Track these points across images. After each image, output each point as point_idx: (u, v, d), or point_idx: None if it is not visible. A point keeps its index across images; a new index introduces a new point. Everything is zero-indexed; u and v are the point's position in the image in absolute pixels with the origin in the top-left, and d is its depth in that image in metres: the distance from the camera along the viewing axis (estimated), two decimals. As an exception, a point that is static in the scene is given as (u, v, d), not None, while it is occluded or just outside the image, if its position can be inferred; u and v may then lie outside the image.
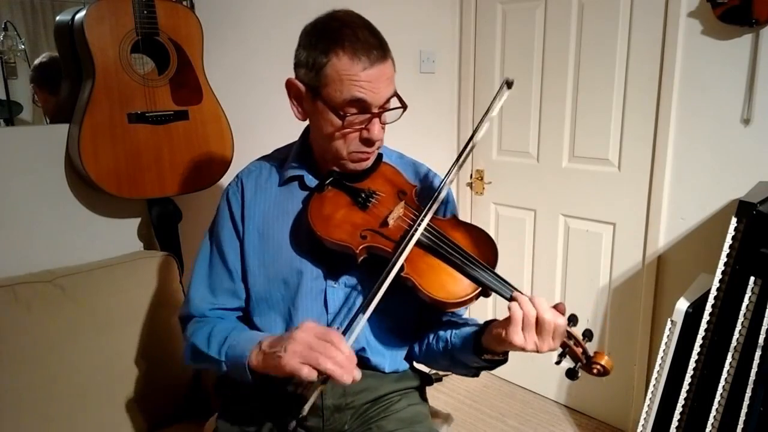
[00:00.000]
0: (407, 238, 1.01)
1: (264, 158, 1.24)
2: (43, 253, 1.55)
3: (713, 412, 1.62)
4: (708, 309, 1.64)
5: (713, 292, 1.63)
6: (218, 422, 1.21)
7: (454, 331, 1.13)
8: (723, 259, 1.61)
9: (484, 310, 2.63)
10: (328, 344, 0.91)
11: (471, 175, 2.69)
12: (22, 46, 1.52)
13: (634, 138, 2.14)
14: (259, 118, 1.94)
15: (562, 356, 0.98)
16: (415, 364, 1.27)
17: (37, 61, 1.56)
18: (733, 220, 1.59)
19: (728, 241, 1.60)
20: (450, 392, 2.63)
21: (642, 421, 1.84)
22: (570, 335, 0.96)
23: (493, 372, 2.89)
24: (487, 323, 1.05)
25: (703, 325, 1.66)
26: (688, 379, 1.70)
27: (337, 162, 1.10)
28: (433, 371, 1.38)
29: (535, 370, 2.61)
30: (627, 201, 2.19)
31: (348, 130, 1.04)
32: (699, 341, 1.67)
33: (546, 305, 0.93)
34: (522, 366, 2.65)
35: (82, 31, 1.41)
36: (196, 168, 1.61)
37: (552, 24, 2.30)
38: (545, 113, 2.39)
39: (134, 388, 1.47)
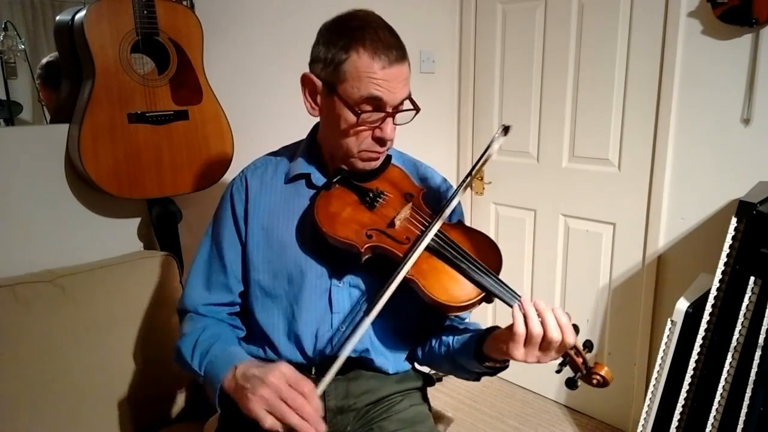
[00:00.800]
0: (416, 244, 1.01)
1: (270, 155, 1.23)
2: (43, 253, 1.55)
3: (713, 412, 1.62)
4: (708, 309, 1.64)
5: (713, 292, 1.63)
6: (219, 422, 1.21)
7: (456, 336, 1.13)
8: (723, 259, 1.61)
9: (484, 312, 2.63)
10: (298, 396, 0.91)
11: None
12: (22, 46, 1.52)
13: (634, 138, 2.14)
14: (259, 117, 1.94)
15: (562, 365, 0.98)
16: (416, 365, 1.28)
17: (44, 60, 1.56)
18: (733, 220, 1.59)
19: (728, 241, 1.60)
20: (450, 392, 2.63)
21: (642, 421, 1.84)
22: (572, 346, 0.96)
23: (493, 372, 2.86)
24: (489, 330, 1.05)
25: (703, 325, 1.66)
26: (688, 379, 1.70)
27: (346, 160, 1.10)
28: (434, 372, 1.38)
29: (535, 370, 2.59)
30: (627, 201, 2.19)
31: (361, 127, 1.04)
32: (699, 341, 1.67)
33: (553, 321, 0.92)
34: (522, 366, 2.64)
35: (82, 31, 1.41)
36: (196, 168, 1.61)
37: (552, 24, 2.30)
38: (545, 113, 2.39)
39: (134, 388, 1.47)
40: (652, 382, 1.81)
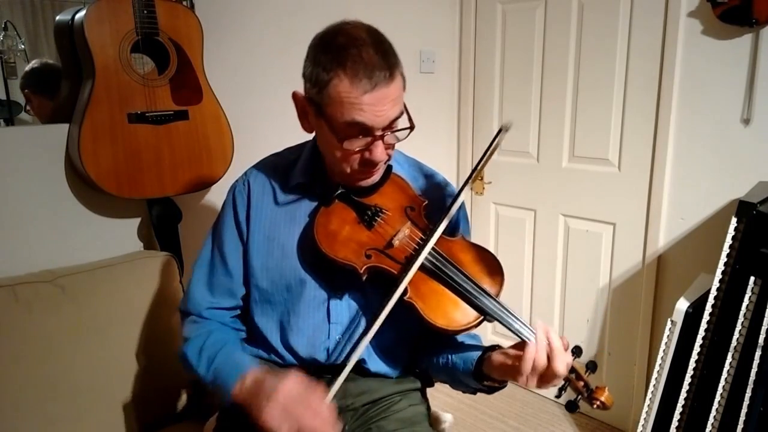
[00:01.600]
0: (411, 264, 1.00)
1: (274, 158, 1.22)
2: (43, 253, 1.55)
3: (713, 412, 1.62)
4: (708, 309, 1.64)
5: (713, 292, 1.63)
6: (218, 421, 1.21)
7: (456, 352, 1.12)
8: (723, 259, 1.61)
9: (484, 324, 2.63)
10: (309, 410, 0.93)
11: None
12: (22, 46, 1.52)
13: (634, 138, 2.14)
14: (259, 118, 1.94)
15: (563, 390, 0.99)
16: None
17: (28, 68, 1.55)
18: (733, 220, 1.59)
19: (728, 241, 1.60)
20: (450, 392, 2.61)
21: (642, 421, 1.84)
22: (572, 369, 0.96)
23: (493, 372, 2.85)
24: (490, 348, 1.05)
25: (703, 325, 1.66)
26: (688, 379, 1.70)
27: (342, 177, 1.08)
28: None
29: (535, 370, 2.60)
30: (627, 201, 2.19)
31: (348, 151, 1.01)
32: (699, 341, 1.67)
33: (562, 356, 0.92)
34: (522, 366, 2.64)
35: (82, 31, 1.41)
36: (196, 168, 1.61)
37: (552, 24, 2.30)
38: (545, 113, 2.38)
39: (134, 388, 1.46)
40: (652, 382, 1.81)
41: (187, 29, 1.56)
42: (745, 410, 1.54)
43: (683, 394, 1.71)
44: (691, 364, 1.69)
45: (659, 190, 2.09)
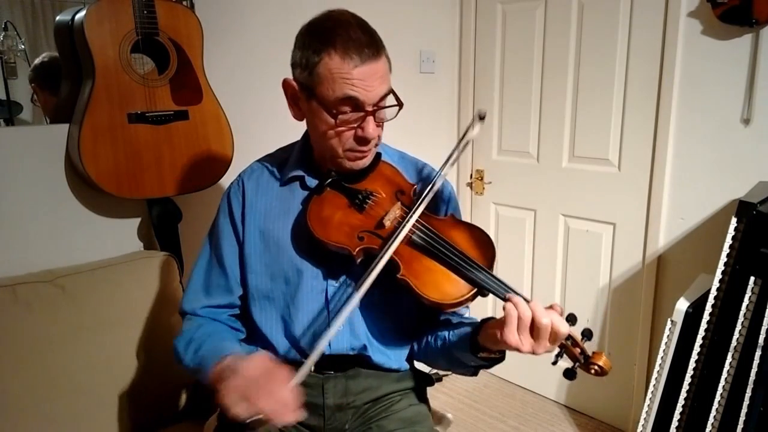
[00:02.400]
0: (397, 231, 1.02)
1: (266, 157, 1.24)
2: (43, 253, 1.55)
3: (713, 412, 1.62)
4: (708, 309, 1.64)
5: (713, 292, 1.63)
6: (218, 421, 1.21)
7: (452, 329, 1.13)
8: (723, 259, 1.61)
9: (484, 308, 2.63)
10: (273, 384, 0.90)
11: (471, 175, 2.69)
12: (22, 46, 1.52)
13: (634, 138, 2.14)
14: (259, 118, 1.94)
15: (559, 356, 0.98)
16: (415, 364, 1.28)
17: (37, 61, 1.56)
18: (733, 220, 1.59)
19: (728, 241, 1.60)
20: (450, 392, 2.63)
21: (642, 421, 1.84)
22: (568, 336, 0.95)
23: (493, 372, 2.89)
24: (484, 321, 1.05)
25: (703, 325, 1.66)
26: (688, 379, 1.70)
27: (334, 161, 1.10)
28: (434, 371, 1.38)
29: (535, 370, 2.60)
30: (627, 201, 2.19)
31: (342, 128, 1.03)
32: (699, 341, 1.67)
33: (542, 309, 0.93)
34: (522, 366, 2.65)
35: (82, 31, 1.41)
36: (196, 168, 1.61)
37: (552, 24, 2.30)
38: (545, 113, 2.38)
39: (134, 388, 1.47)
40: (652, 382, 1.81)
41: (187, 29, 1.56)
42: (745, 410, 1.54)
43: (683, 394, 1.71)
44: (691, 364, 1.69)
45: (659, 190, 2.09)
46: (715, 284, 1.62)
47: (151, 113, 1.52)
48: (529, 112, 2.43)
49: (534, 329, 0.92)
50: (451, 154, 1.09)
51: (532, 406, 2.52)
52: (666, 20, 1.98)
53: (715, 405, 1.61)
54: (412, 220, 1.03)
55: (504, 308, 0.94)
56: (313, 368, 1.12)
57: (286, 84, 1.10)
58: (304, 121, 1.14)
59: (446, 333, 1.14)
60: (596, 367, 0.95)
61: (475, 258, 1.02)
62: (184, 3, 1.63)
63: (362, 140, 1.05)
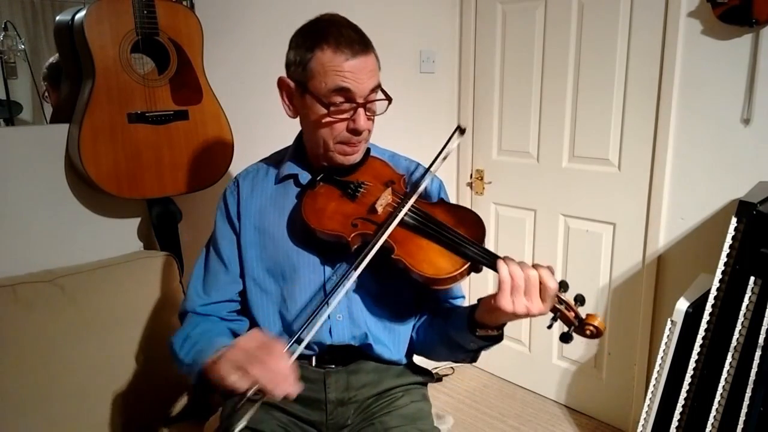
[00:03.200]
0: (394, 214, 1.05)
1: (261, 160, 1.28)
2: (43, 253, 1.55)
3: (713, 412, 1.62)
4: (708, 309, 1.64)
5: (713, 292, 1.63)
6: (225, 405, 1.21)
7: (449, 314, 1.15)
8: (723, 259, 1.61)
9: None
10: (267, 353, 0.90)
11: (471, 175, 2.69)
12: (22, 46, 1.52)
13: (634, 138, 2.14)
14: (259, 118, 1.94)
15: (554, 320, 0.99)
16: (415, 359, 1.28)
17: (52, 59, 1.57)
18: (733, 220, 1.59)
19: (728, 241, 1.60)
20: (450, 392, 2.63)
21: (642, 421, 1.84)
22: (561, 300, 0.96)
23: (493, 372, 2.89)
24: (480, 300, 1.06)
25: (703, 325, 1.66)
26: (688, 379, 1.70)
27: (326, 155, 1.13)
28: (434, 369, 1.39)
29: (535, 370, 2.61)
30: (627, 201, 2.19)
31: (334, 119, 1.07)
32: (699, 341, 1.67)
33: (531, 268, 0.95)
34: (522, 366, 2.65)
35: (82, 31, 1.41)
36: (196, 168, 1.61)
37: (552, 24, 2.30)
38: (545, 113, 2.38)
39: (134, 388, 1.47)
40: (652, 382, 1.81)
41: (187, 29, 1.56)
42: (745, 410, 1.54)
43: (683, 394, 1.71)
44: (691, 364, 1.69)
45: (659, 190, 2.09)
46: (715, 284, 1.62)
47: (151, 113, 1.52)
48: (529, 112, 2.43)
49: (526, 287, 0.94)
50: (435, 157, 1.13)
51: (532, 406, 2.52)
52: (666, 20, 1.98)
53: (715, 405, 1.61)
54: (409, 203, 1.06)
55: (498, 272, 0.96)
56: (315, 362, 1.15)
57: (281, 82, 1.14)
58: (295, 119, 1.17)
59: (444, 317, 1.15)
60: (591, 328, 0.95)
61: (466, 234, 1.04)
62: (184, 3, 1.63)
63: (354, 132, 1.09)
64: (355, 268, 1.00)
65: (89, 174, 1.46)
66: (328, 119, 1.07)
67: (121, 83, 1.47)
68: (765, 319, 1.50)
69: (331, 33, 1.05)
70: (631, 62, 2.10)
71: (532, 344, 2.61)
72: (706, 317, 1.65)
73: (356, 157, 1.15)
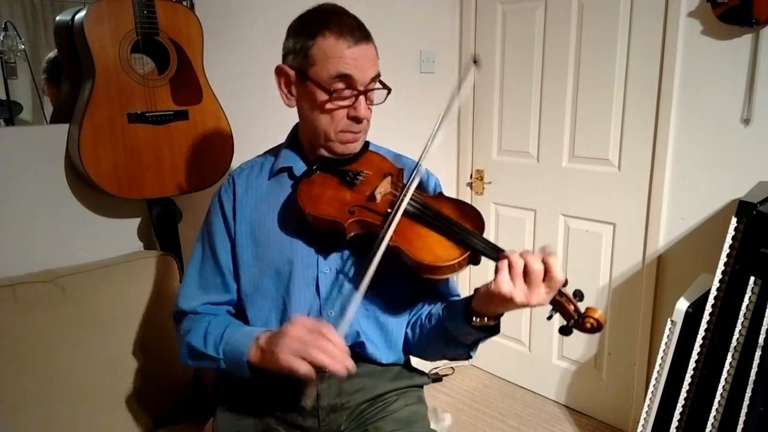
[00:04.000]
0: (395, 208, 1.03)
1: (255, 157, 1.27)
2: (43, 253, 1.55)
3: (713, 412, 1.62)
4: (708, 309, 1.64)
5: (713, 292, 1.63)
6: (218, 416, 1.21)
7: (445, 307, 1.14)
8: (723, 259, 1.61)
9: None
10: (320, 337, 0.94)
11: (471, 175, 2.69)
12: (22, 46, 1.52)
13: (634, 138, 2.14)
14: (259, 118, 1.94)
15: (553, 312, 0.98)
16: (411, 361, 1.28)
17: (50, 55, 1.56)
18: (733, 220, 1.59)
19: (728, 241, 1.60)
20: (450, 392, 2.63)
21: (642, 421, 1.84)
22: (561, 293, 0.95)
23: (493, 372, 2.89)
24: (477, 289, 1.05)
25: (703, 325, 1.66)
26: (688, 379, 1.70)
27: (326, 144, 1.12)
28: (434, 369, 1.38)
29: (535, 370, 2.61)
30: (627, 201, 2.19)
31: (334, 106, 1.07)
32: (699, 341, 1.67)
33: (534, 255, 0.93)
34: (522, 366, 2.65)
35: (82, 31, 1.41)
36: (196, 168, 1.61)
37: (552, 24, 2.30)
38: (545, 113, 2.39)
39: (134, 388, 1.47)
40: (652, 382, 1.81)
41: (187, 29, 1.56)
42: (745, 410, 1.54)
43: (683, 394, 1.71)
44: (691, 364, 1.69)
45: (659, 190, 2.09)
46: (715, 284, 1.62)
47: (151, 113, 1.52)
48: (529, 112, 2.43)
49: (527, 275, 0.92)
50: (446, 110, 1.12)
51: (532, 406, 2.52)
52: (666, 20, 1.99)
53: (715, 405, 1.61)
54: (411, 190, 1.04)
55: (496, 264, 0.95)
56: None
57: (279, 70, 1.13)
58: (292, 108, 1.17)
59: (440, 311, 1.14)
60: (592, 320, 0.94)
61: (465, 225, 1.04)
62: (184, 3, 1.63)
63: (355, 119, 1.09)
64: (363, 276, 0.98)
65: (89, 174, 1.46)
66: (329, 105, 1.07)
67: (121, 83, 1.47)
68: (765, 319, 1.50)
69: (333, 20, 1.05)
70: (631, 62, 2.10)
71: (532, 344, 2.61)
72: (706, 317, 1.65)
73: (356, 146, 1.15)
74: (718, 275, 1.62)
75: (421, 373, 1.28)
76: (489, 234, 2.67)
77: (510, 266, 0.93)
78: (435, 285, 1.21)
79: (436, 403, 2.48)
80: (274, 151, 1.25)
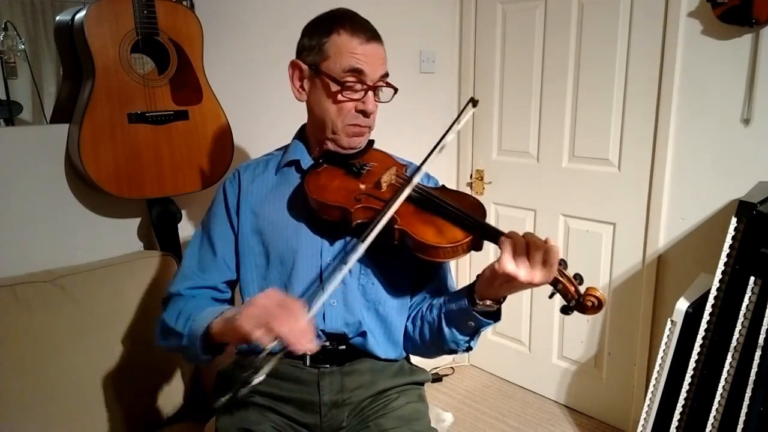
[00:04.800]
0: (399, 191, 1.05)
1: (262, 156, 1.30)
2: (43, 253, 1.55)
3: (713, 412, 1.62)
4: (708, 309, 1.64)
5: (713, 292, 1.63)
6: (219, 414, 1.21)
7: (446, 297, 1.14)
8: (723, 259, 1.61)
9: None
10: (287, 312, 0.91)
11: (471, 175, 2.69)
12: (22, 46, 1.52)
13: (634, 138, 2.14)
14: (259, 118, 1.94)
15: (555, 291, 0.99)
16: (412, 359, 1.28)
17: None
18: (733, 220, 1.59)
19: (728, 241, 1.60)
20: (450, 392, 2.63)
21: (642, 421, 1.84)
22: (562, 273, 0.96)
23: (493, 372, 2.88)
24: (479, 275, 1.05)
25: (703, 325, 1.66)
26: (688, 379, 1.70)
27: (333, 137, 1.16)
28: (434, 369, 1.38)
29: (535, 370, 2.61)
30: (627, 201, 2.19)
31: (344, 98, 1.12)
32: (699, 341, 1.67)
33: (535, 235, 0.96)
34: (522, 366, 2.65)
35: (82, 31, 1.41)
36: (196, 168, 1.61)
37: (552, 24, 2.30)
38: (545, 113, 2.38)
39: (134, 388, 1.47)
40: (652, 382, 1.81)
41: (187, 29, 1.56)
42: (745, 410, 1.54)
43: (683, 394, 1.71)
44: (691, 364, 1.69)
45: (659, 190, 2.09)
46: (715, 284, 1.62)
47: (151, 113, 1.52)
48: (529, 112, 2.43)
49: (530, 253, 0.93)
50: (443, 135, 1.13)
51: (532, 406, 2.52)
52: (666, 20, 1.98)
53: (715, 405, 1.61)
54: (415, 180, 1.07)
55: (499, 243, 0.96)
56: (308, 361, 1.13)
57: (293, 64, 1.17)
58: (302, 102, 1.20)
59: (441, 300, 1.15)
60: (592, 299, 0.95)
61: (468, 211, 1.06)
62: (184, 3, 1.63)
63: (363, 113, 1.13)
64: (364, 240, 0.99)
65: (89, 174, 1.46)
66: (339, 97, 1.11)
67: (121, 83, 1.47)
68: (765, 319, 1.50)
69: (347, 20, 1.12)
70: (631, 62, 2.10)
71: (532, 344, 2.61)
72: (706, 317, 1.65)
73: (362, 141, 1.18)
74: (718, 275, 1.61)
75: (422, 370, 1.29)
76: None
77: (514, 245, 0.95)
78: (436, 277, 1.22)
79: (436, 403, 2.48)
80: (281, 149, 1.28)
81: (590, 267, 2.34)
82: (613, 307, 2.31)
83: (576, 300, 0.96)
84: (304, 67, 1.15)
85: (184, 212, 1.70)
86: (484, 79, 2.57)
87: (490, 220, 2.64)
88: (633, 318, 2.24)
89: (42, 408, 1.32)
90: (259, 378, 0.91)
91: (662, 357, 1.78)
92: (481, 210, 1.10)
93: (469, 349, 1.15)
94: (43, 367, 1.34)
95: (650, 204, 2.13)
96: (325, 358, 1.14)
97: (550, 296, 1.00)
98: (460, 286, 1.17)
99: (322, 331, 1.13)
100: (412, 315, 1.22)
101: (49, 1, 1.55)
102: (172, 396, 1.55)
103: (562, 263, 0.96)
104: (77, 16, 1.45)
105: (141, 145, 1.51)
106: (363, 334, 1.15)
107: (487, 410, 2.49)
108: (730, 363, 1.58)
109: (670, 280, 2.12)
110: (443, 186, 1.22)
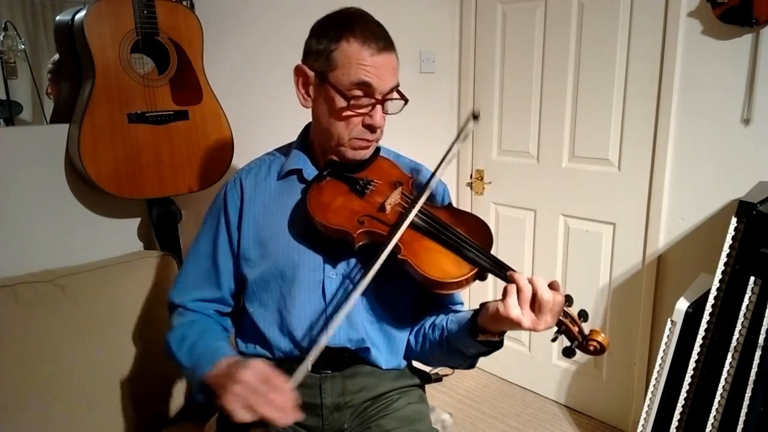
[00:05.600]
0: (403, 221, 1.02)
1: (264, 156, 1.26)
2: (43, 253, 1.55)
3: (713, 412, 1.62)
4: (708, 309, 1.64)
5: (713, 292, 1.63)
6: (219, 415, 1.21)
7: (449, 319, 1.14)
8: (723, 259, 1.61)
9: (485, 296, 2.63)
10: (271, 390, 0.92)
11: (471, 175, 2.69)
12: (22, 46, 1.52)
13: (634, 138, 2.14)
14: (259, 118, 1.94)
15: (558, 333, 0.98)
16: (413, 363, 1.28)
17: (56, 56, 1.57)
18: (733, 220, 1.59)
19: (728, 241, 1.60)
20: (450, 392, 2.63)
21: (642, 421, 1.84)
22: (566, 314, 0.96)
23: (493, 372, 2.89)
24: (483, 304, 1.05)
25: (703, 325, 1.66)
26: (688, 379, 1.70)
27: (337, 149, 1.12)
28: (433, 371, 1.38)
29: (535, 370, 2.61)
30: (627, 201, 2.19)
31: (352, 113, 1.07)
32: (699, 341, 1.67)
33: (544, 283, 0.93)
34: (522, 366, 2.65)
35: (82, 31, 1.41)
36: (196, 168, 1.61)
37: (552, 24, 2.30)
38: (545, 113, 2.39)
39: (134, 389, 1.46)
40: (652, 382, 1.81)
41: (187, 29, 1.56)
42: (745, 410, 1.54)
43: (683, 394, 1.71)
44: (691, 364, 1.69)
45: (659, 190, 2.09)
46: (715, 284, 1.62)
47: (151, 113, 1.52)
48: (529, 112, 2.43)
49: (535, 303, 0.92)
50: (447, 151, 1.10)
51: (532, 406, 2.52)
52: (666, 20, 1.98)
53: (715, 405, 1.61)
54: (419, 205, 1.04)
55: (505, 287, 0.95)
56: (310, 367, 1.12)
57: (298, 69, 1.12)
58: (310, 119, 1.16)
59: (444, 321, 1.14)
60: (595, 344, 0.95)
61: (474, 240, 1.04)
62: (184, 3, 1.63)
63: (370, 128, 1.09)
64: (364, 276, 0.98)
65: (89, 174, 1.46)
66: (347, 112, 1.06)
67: (121, 83, 1.47)
68: (765, 319, 1.50)
69: (359, 26, 1.05)
70: (631, 62, 2.10)
71: (532, 344, 2.61)
72: (706, 317, 1.65)
73: (367, 153, 1.14)
74: (718, 275, 1.62)
75: (424, 373, 1.29)
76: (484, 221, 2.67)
77: (519, 291, 0.93)
78: (440, 296, 1.20)
79: (436, 403, 2.48)
80: (283, 150, 1.24)
81: (590, 267, 2.34)
82: (613, 307, 2.31)
83: (579, 342, 0.96)
84: (310, 73, 1.09)
85: (184, 212, 1.70)
86: (484, 79, 2.57)
87: (490, 220, 2.65)
88: (633, 318, 2.24)
89: (42, 408, 1.32)
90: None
91: (662, 357, 1.78)
92: (488, 235, 1.07)
93: (471, 367, 1.15)
94: (43, 367, 1.34)
95: (650, 204, 2.13)
96: (326, 364, 1.13)
97: (553, 339, 0.99)
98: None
99: (326, 347, 1.12)
100: (415, 330, 1.21)
101: (49, 1, 1.55)
102: (171, 396, 1.55)
103: (568, 299, 0.96)
104: (77, 16, 1.45)
105: (141, 145, 1.51)
106: (366, 349, 1.15)
107: (487, 410, 2.49)
108: (730, 363, 1.58)
109: (670, 280, 2.12)
110: (450, 204, 1.18)
